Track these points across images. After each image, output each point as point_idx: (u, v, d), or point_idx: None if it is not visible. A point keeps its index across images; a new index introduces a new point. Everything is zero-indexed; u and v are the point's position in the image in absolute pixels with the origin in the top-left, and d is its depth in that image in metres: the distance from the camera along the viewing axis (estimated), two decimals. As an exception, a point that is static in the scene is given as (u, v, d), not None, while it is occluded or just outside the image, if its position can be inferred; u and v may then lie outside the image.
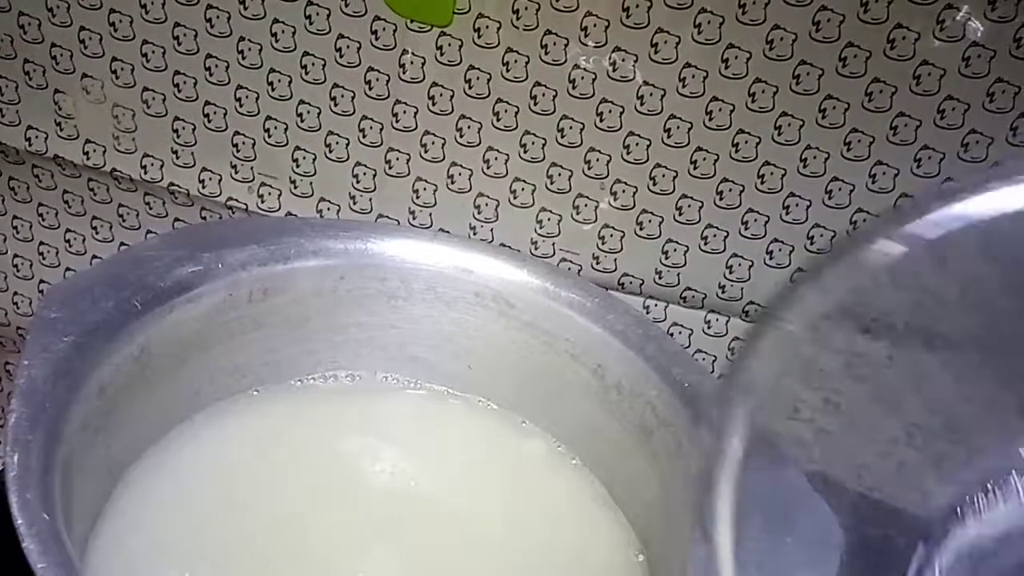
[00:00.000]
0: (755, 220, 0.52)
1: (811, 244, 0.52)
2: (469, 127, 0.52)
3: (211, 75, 0.52)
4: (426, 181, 0.54)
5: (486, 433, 0.39)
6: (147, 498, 0.32)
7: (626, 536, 0.34)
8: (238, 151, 0.55)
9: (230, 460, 0.35)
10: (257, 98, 0.53)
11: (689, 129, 0.49)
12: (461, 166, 0.53)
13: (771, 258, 0.53)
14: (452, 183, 0.53)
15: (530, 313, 0.37)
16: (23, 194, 0.59)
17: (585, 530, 0.35)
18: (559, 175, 0.52)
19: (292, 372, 0.38)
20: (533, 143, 0.51)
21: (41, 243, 0.61)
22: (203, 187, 0.56)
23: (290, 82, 0.52)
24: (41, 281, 0.63)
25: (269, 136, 0.54)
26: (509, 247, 0.44)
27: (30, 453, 0.23)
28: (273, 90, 0.52)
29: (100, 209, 0.58)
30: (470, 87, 0.50)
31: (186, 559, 0.30)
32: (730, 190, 0.51)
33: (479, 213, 0.54)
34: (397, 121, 0.52)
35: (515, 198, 0.53)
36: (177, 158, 0.55)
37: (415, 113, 0.52)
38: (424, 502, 0.36)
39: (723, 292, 0.54)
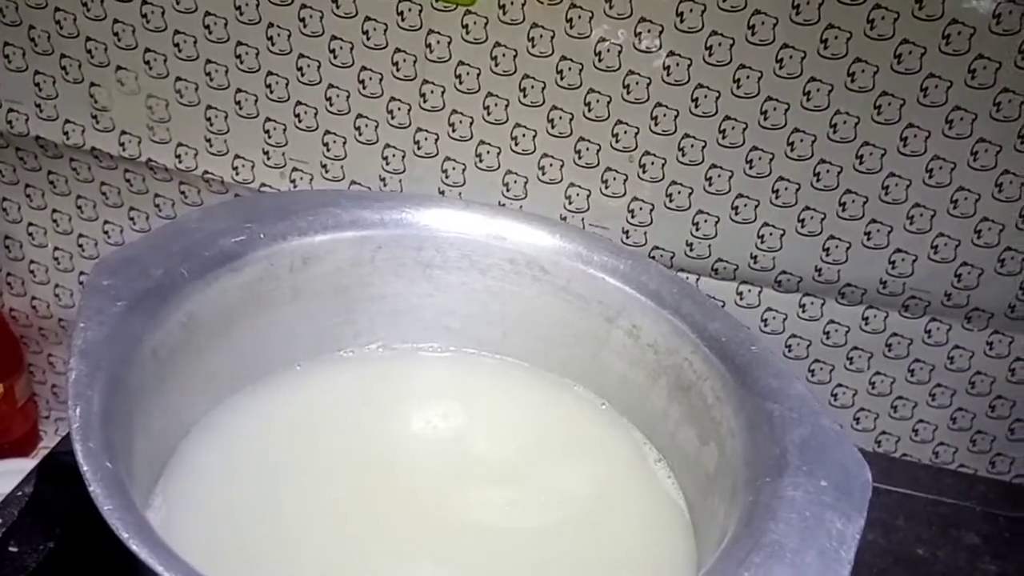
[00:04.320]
0: (786, 188, 0.52)
1: (843, 211, 0.52)
2: (496, 104, 0.52)
3: (241, 63, 0.53)
4: (455, 160, 0.54)
5: (525, 392, 0.39)
6: (199, 469, 0.32)
7: (667, 487, 0.34)
8: (270, 137, 0.55)
9: (278, 433, 0.36)
10: (287, 84, 0.54)
11: (717, 98, 0.49)
12: (489, 144, 0.53)
13: (803, 226, 0.53)
14: (480, 161, 0.54)
15: (564, 278, 0.38)
16: (62, 187, 0.60)
17: (625, 481, 0.35)
18: (587, 149, 0.52)
19: (333, 343, 0.38)
20: (560, 118, 0.52)
21: (80, 235, 0.62)
22: (237, 174, 0.57)
23: (319, 67, 0.53)
24: (81, 273, 0.64)
25: (300, 121, 0.55)
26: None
27: (90, 407, 0.24)
28: (303, 75, 0.53)
29: (137, 200, 0.60)
30: (496, 64, 0.51)
31: (240, 533, 0.31)
32: (760, 158, 0.51)
33: (508, 191, 0.54)
34: (425, 101, 0.53)
35: (543, 174, 0.54)
36: (211, 146, 0.56)
37: (442, 93, 0.52)
38: (472, 464, 0.36)
39: (755, 262, 0.54)
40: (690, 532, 0.32)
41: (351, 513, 0.34)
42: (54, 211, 0.61)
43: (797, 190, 0.52)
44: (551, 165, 0.53)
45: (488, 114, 0.52)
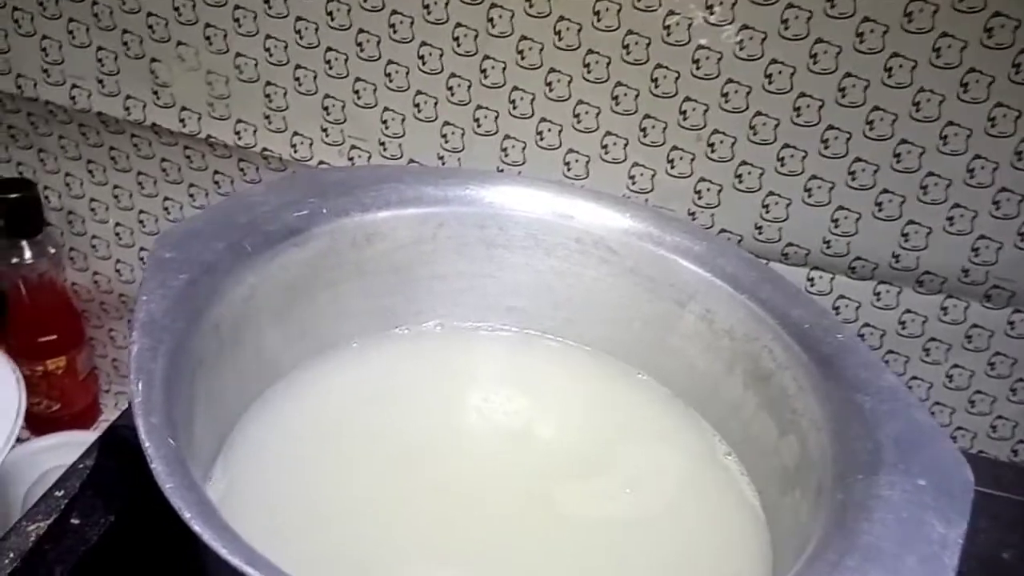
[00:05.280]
0: (863, 170, 0.49)
1: (924, 194, 0.49)
2: (559, 81, 0.50)
3: (301, 38, 0.53)
4: (515, 139, 0.53)
5: (589, 379, 0.38)
6: (258, 445, 0.32)
7: (738, 482, 0.33)
8: (328, 114, 0.55)
9: (336, 411, 0.35)
10: (346, 60, 0.53)
11: (792, 74, 0.47)
12: (550, 122, 0.52)
13: (880, 210, 0.50)
14: (541, 140, 0.52)
15: (633, 259, 0.36)
16: (123, 163, 0.61)
17: (693, 475, 0.33)
18: (653, 127, 0.50)
19: (392, 320, 0.37)
20: (625, 95, 0.50)
21: (141, 211, 0.62)
22: (295, 151, 0.56)
23: (379, 42, 0.52)
24: (142, 249, 0.65)
25: (359, 98, 0.54)
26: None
27: (152, 381, 0.24)
28: (362, 51, 0.52)
29: (196, 176, 0.60)
30: (560, 39, 0.49)
31: (299, 514, 0.30)
32: (836, 138, 0.48)
33: (569, 170, 0.53)
34: (485, 77, 0.51)
35: (607, 153, 0.52)
36: (270, 123, 0.56)
37: (503, 68, 0.51)
38: (530, 453, 0.35)
39: (828, 248, 0.51)
40: (764, 530, 0.31)
41: (410, 493, 0.33)
42: (115, 187, 0.62)
43: (875, 172, 0.49)
44: (615, 144, 0.51)
45: (550, 91, 0.51)
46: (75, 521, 0.34)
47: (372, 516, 0.31)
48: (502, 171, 0.54)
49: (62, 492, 0.36)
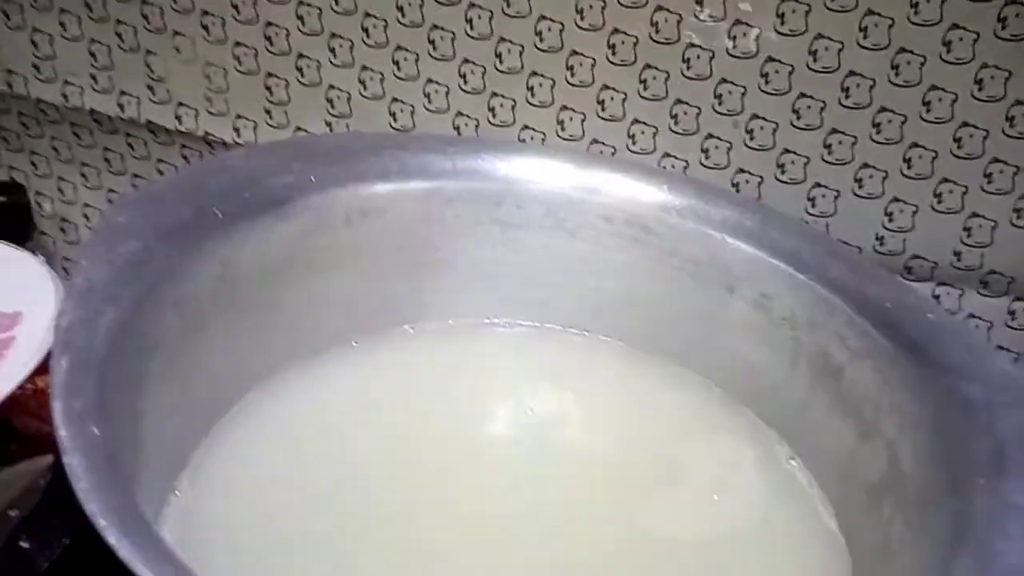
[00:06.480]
0: (920, 157, 0.44)
1: (988, 183, 0.44)
2: (581, 64, 0.46)
3: (303, 25, 0.49)
4: (533, 129, 0.48)
5: (623, 381, 0.33)
6: (236, 455, 0.27)
7: (810, 499, 0.27)
8: (333, 107, 0.51)
9: (330, 421, 0.30)
10: (352, 47, 0.49)
11: (840, 50, 0.43)
12: (572, 110, 0.47)
13: (940, 202, 0.45)
14: (562, 129, 0.48)
15: (673, 239, 0.31)
16: (118, 165, 0.57)
17: (752, 488, 0.28)
18: (685, 114, 0.46)
19: (395, 315, 0.33)
20: (655, 78, 0.45)
21: (135, 216, 0.59)
22: (296, 147, 0.52)
23: (386, 27, 0.48)
24: (136, 258, 0.61)
25: (365, 88, 0.50)
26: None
27: (85, 360, 0.19)
28: (368, 37, 0.48)
29: (192, 177, 0.56)
30: (582, 18, 0.45)
31: (281, 539, 0.26)
32: (889, 122, 0.44)
33: (593, 163, 0.48)
34: (501, 62, 0.47)
35: (634, 143, 0.47)
36: (271, 118, 0.52)
37: (520, 52, 0.47)
38: (562, 469, 0.30)
39: (881, 244, 0.46)
40: (842, 550, 0.25)
41: (419, 516, 0.28)
42: (109, 191, 0.58)
43: (934, 159, 0.44)
44: (643, 132, 0.47)
45: (572, 75, 0.47)
46: (25, 545, 0.29)
47: (368, 544, 0.26)
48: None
49: (16, 512, 0.31)
